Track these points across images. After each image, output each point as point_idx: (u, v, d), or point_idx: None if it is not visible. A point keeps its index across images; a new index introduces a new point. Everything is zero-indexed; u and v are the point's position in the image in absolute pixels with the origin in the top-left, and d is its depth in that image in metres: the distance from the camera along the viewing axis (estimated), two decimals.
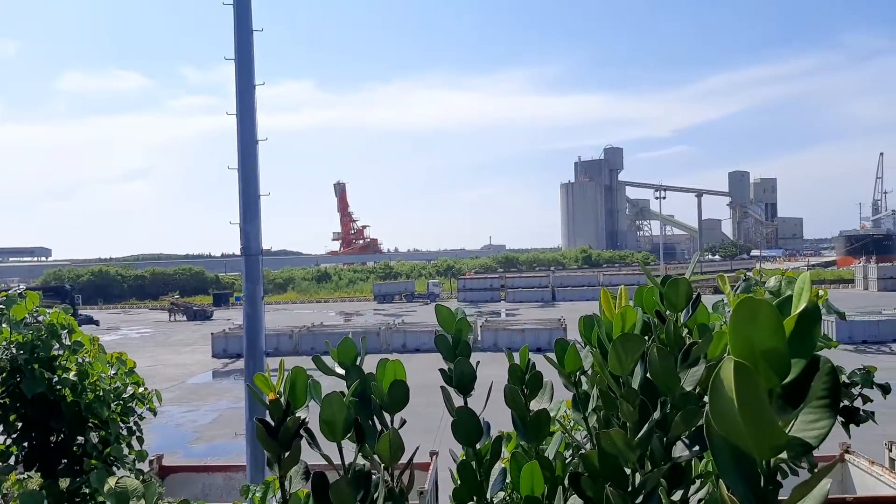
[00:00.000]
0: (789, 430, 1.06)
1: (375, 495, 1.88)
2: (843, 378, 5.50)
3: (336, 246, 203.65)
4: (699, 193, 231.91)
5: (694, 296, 1.98)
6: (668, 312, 1.99)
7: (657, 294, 2.01)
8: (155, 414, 7.31)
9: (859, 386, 5.68)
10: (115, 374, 6.98)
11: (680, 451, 1.91)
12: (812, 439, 1.05)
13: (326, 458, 1.87)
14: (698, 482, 2.03)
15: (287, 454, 1.86)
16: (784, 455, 1.04)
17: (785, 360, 1.01)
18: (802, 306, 1.05)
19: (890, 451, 10.74)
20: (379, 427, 2.15)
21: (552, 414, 2.88)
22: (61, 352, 6.63)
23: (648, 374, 1.88)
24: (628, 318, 1.86)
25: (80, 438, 6.33)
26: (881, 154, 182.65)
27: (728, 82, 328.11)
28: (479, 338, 44.81)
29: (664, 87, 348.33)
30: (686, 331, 2.01)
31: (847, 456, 10.91)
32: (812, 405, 1.06)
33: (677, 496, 1.88)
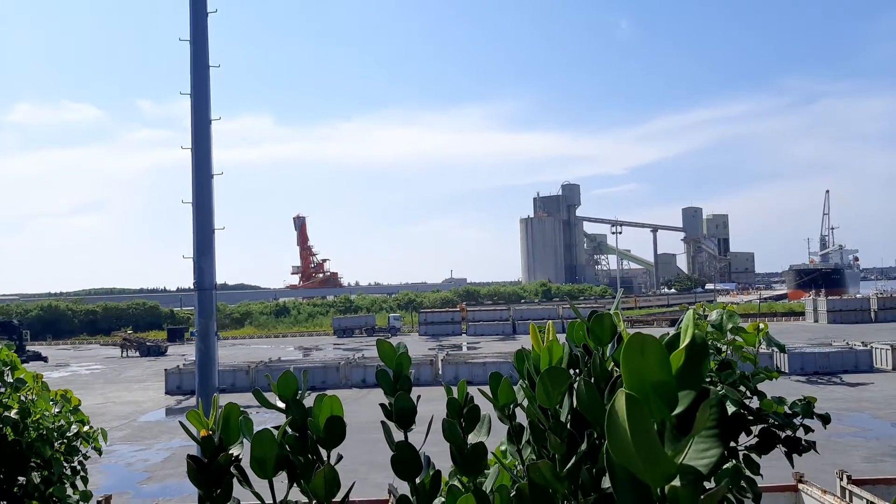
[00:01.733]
0: (682, 459, 1.13)
1: None
2: (785, 409, 5.65)
3: (296, 280, 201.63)
4: (654, 229, 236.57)
5: (618, 331, 2.06)
6: (595, 347, 2.07)
7: (584, 328, 2.09)
8: (100, 453, 7.13)
9: (800, 416, 5.84)
10: (60, 412, 6.81)
11: (609, 481, 1.97)
12: (703, 467, 1.12)
13: (258, 495, 1.89)
14: None
15: (218, 492, 1.87)
16: (677, 482, 1.11)
17: (673, 392, 1.08)
18: (688, 340, 1.13)
19: (841, 479, 10.99)
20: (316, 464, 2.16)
21: (500, 448, 2.93)
22: (3, 389, 6.45)
23: (576, 406, 1.94)
24: (555, 352, 1.93)
25: (22, 479, 6.13)
26: (827, 191, 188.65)
27: (676, 123, 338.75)
28: (441, 371, 44.62)
29: (616, 126, 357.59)
30: (613, 364, 2.09)
31: (800, 485, 11.12)
32: (702, 435, 1.13)
33: None
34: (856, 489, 10.48)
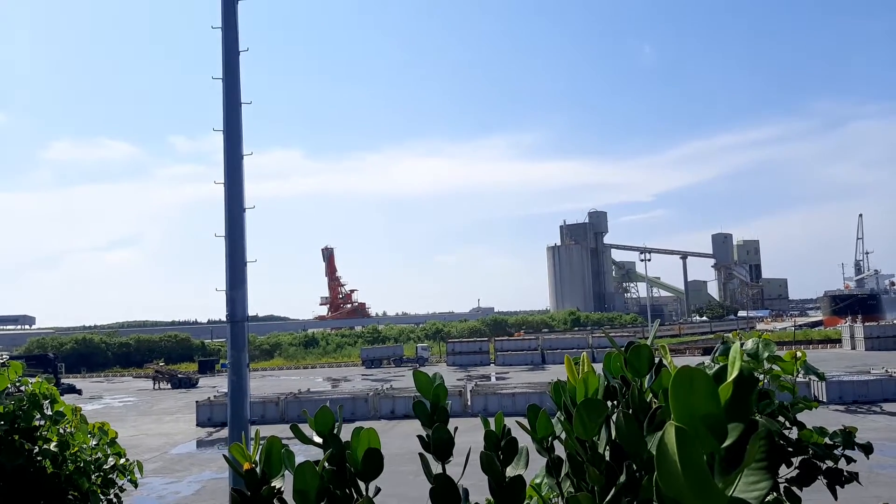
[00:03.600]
0: (732, 492, 1.13)
1: None
2: (826, 439, 5.52)
3: (324, 310, 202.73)
4: (684, 255, 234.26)
5: (656, 361, 2.06)
6: (633, 378, 2.06)
7: (622, 359, 2.09)
8: (136, 486, 7.19)
9: (841, 447, 5.70)
10: (97, 444, 6.89)
11: None
12: (753, 500, 1.11)
13: None
14: None
15: None
16: None
17: (722, 424, 1.08)
18: (736, 373, 1.13)
19: None
20: (355, 496, 2.17)
21: (537, 481, 2.91)
22: (42, 422, 6.56)
23: (615, 438, 1.93)
24: (591, 384, 1.93)
25: None
26: (860, 215, 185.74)
27: (702, 148, 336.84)
28: (469, 402, 44.31)
29: (642, 153, 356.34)
30: (651, 395, 2.07)
31: None
32: (752, 467, 1.12)
33: None
34: None
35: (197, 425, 44.90)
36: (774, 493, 4.08)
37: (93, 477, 6.63)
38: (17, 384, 6.74)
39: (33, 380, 6.90)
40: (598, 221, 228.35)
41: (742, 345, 5.10)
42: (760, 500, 1.10)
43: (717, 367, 1.21)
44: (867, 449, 6.01)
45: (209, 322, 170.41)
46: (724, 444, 1.10)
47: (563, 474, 2.26)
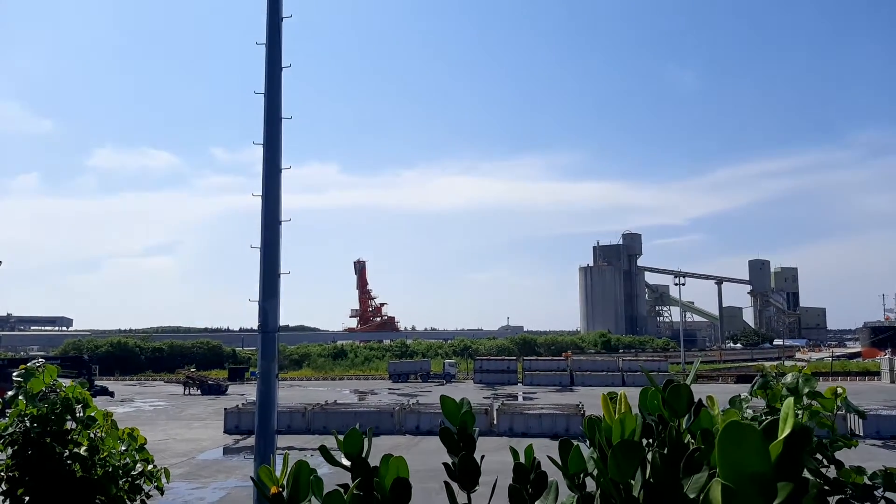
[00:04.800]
0: None
1: None
2: (865, 479, 5.33)
3: (353, 323, 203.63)
4: (719, 281, 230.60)
5: (696, 402, 1.99)
6: (670, 417, 2.00)
7: (659, 398, 2.03)
8: (162, 493, 7.24)
9: (882, 489, 5.50)
10: (126, 450, 6.97)
11: None
12: None
13: None
14: None
15: None
16: None
17: (771, 484, 1.03)
18: (788, 431, 1.08)
19: None
20: None
21: None
22: (74, 426, 6.65)
23: (650, 478, 1.87)
24: (627, 425, 1.87)
25: None
26: None
27: (740, 174, 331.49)
28: (496, 422, 43.98)
29: (678, 176, 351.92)
30: (689, 436, 2.01)
31: None
32: None
33: None
34: None
35: (224, 432, 45.25)
36: None
37: (120, 482, 6.70)
38: (52, 387, 6.86)
39: (67, 383, 7.01)
40: (631, 243, 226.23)
41: (781, 378, 4.96)
42: None
43: (767, 421, 1.16)
44: None
45: (241, 330, 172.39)
46: None
47: None
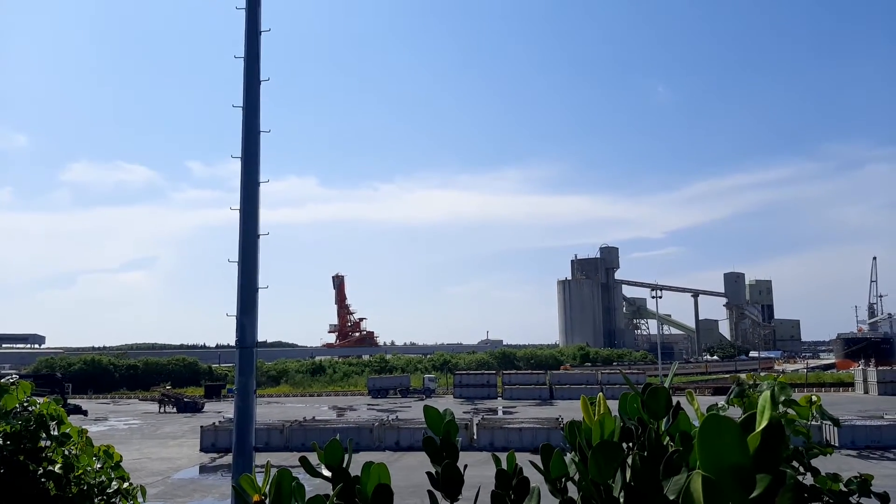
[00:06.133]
0: None
1: None
2: (840, 486, 5.42)
3: (332, 338, 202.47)
4: (695, 294, 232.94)
5: (674, 404, 2.02)
6: (650, 420, 2.02)
7: (639, 401, 2.05)
8: None
9: (857, 495, 5.58)
10: (101, 467, 6.85)
11: None
12: None
13: None
14: None
15: None
16: None
17: (750, 475, 1.05)
18: (765, 423, 1.11)
19: None
20: None
21: None
22: (48, 443, 6.52)
23: (631, 481, 1.89)
24: (606, 426, 1.89)
25: None
26: (874, 258, 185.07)
27: (716, 188, 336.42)
28: (476, 437, 43.87)
29: (655, 190, 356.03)
30: (668, 438, 2.03)
31: None
32: None
33: None
34: None
35: (201, 450, 44.65)
36: None
37: (96, 500, 6.58)
38: (25, 404, 6.73)
39: (41, 400, 6.89)
40: (609, 257, 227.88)
41: (757, 387, 5.03)
42: None
43: (745, 415, 1.19)
44: (883, 498, 5.88)
45: (217, 347, 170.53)
46: (752, 496, 1.07)
47: None
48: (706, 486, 1.00)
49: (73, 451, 6.69)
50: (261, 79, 12.38)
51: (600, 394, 1.98)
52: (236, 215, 12.19)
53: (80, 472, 6.55)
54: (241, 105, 12.26)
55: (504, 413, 65.67)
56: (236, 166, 12.38)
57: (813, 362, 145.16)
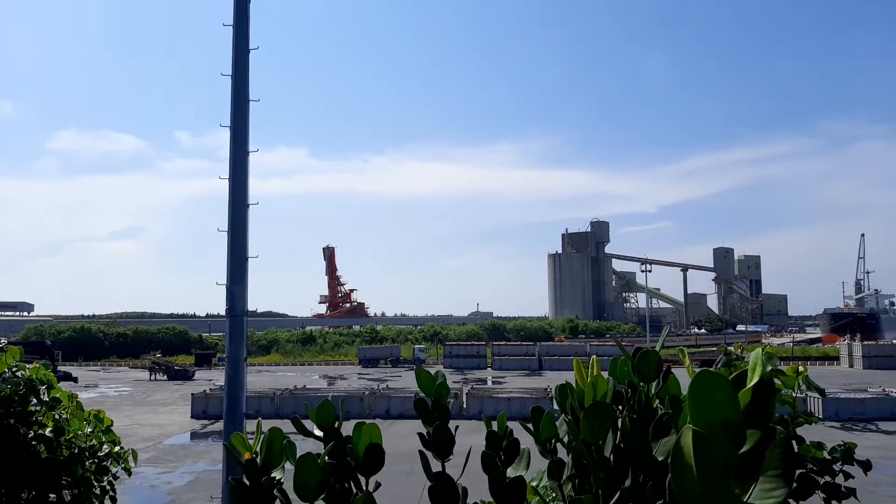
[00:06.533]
0: (748, 498, 1.10)
1: None
2: (825, 454, 5.50)
3: (323, 309, 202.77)
4: (684, 268, 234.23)
5: (664, 368, 2.03)
6: (640, 383, 2.04)
7: (629, 365, 2.07)
8: (130, 474, 7.17)
9: (840, 462, 5.67)
10: (92, 431, 6.88)
11: None
12: None
13: None
14: None
15: None
16: None
17: (740, 430, 1.06)
18: (756, 379, 1.11)
19: None
20: (354, 490, 2.15)
21: (534, 483, 2.88)
22: (39, 407, 6.54)
23: (620, 443, 1.91)
24: (599, 388, 1.91)
25: (53, 496, 6.18)
26: (862, 235, 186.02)
27: (708, 163, 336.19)
28: (465, 405, 44.25)
29: (647, 165, 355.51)
30: (658, 401, 2.05)
31: None
32: (768, 474, 1.10)
33: None
34: None
35: (192, 417, 44.86)
36: None
37: (87, 463, 6.62)
38: (14, 369, 6.73)
39: (31, 365, 6.89)
40: (600, 231, 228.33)
41: (744, 358, 5.08)
42: None
43: (736, 372, 1.19)
44: (866, 465, 5.98)
45: (207, 316, 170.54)
46: (742, 451, 1.08)
47: (565, 477, 2.23)
48: (696, 440, 1.01)
49: (64, 416, 6.72)
50: (250, 47, 12.21)
51: (594, 356, 1.99)
52: (225, 185, 12.10)
53: (71, 435, 6.58)
54: (230, 74, 12.09)
55: (493, 383, 66.20)
56: (225, 136, 12.26)
57: (799, 336, 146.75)
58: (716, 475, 1.03)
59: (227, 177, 12.10)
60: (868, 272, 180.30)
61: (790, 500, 4.18)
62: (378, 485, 2.21)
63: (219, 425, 38.21)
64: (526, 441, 2.55)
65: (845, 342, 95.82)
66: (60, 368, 69.36)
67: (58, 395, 6.73)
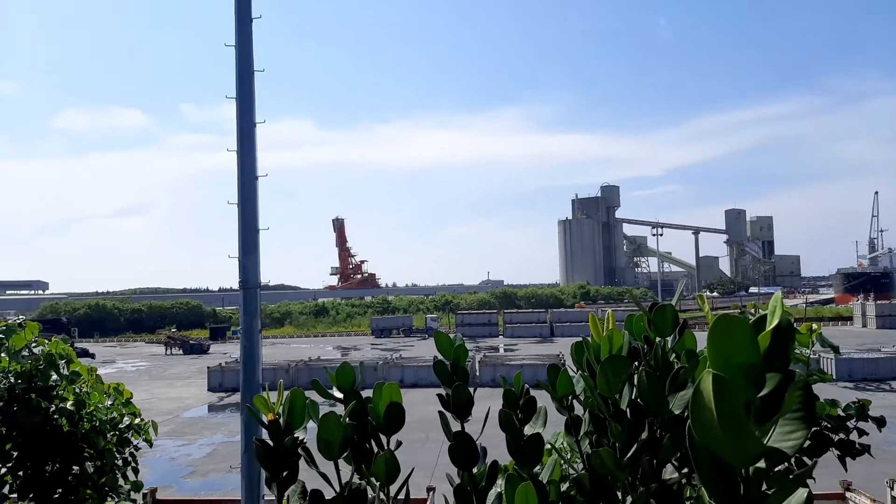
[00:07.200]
0: (768, 441, 1.12)
1: None
2: (839, 412, 5.53)
3: (334, 280, 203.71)
4: (696, 231, 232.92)
5: (681, 322, 2.04)
6: (656, 338, 2.05)
7: (645, 320, 2.07)
8: (151, 445, 7.30)
9: (854, 419, 5.70)
10: (112, 404, 6.99)
11: (670, 473, 1.95)
12: (788, 449, 1.10)
13: (324, 476, 1.91)
14: None
15: (285, 473, 1.90)
16: (761, 464, 1.10)
17: (760, 373, 1.07)
18: (775, 322, 1.12)
19: (892, 489, 10.68)
20: (375, 450, 2.19)
21: (552, 443, 2.91)
22: (59, 382, 6.64)
23: (637, 398, 1.93)
24: (615, 341, 1.92)
25: (76, 468, 6.30)
26: (876, 193, 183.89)
27: (717, 124, 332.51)
28: (478, 373, 44.60)
29: (656, 128, 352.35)
30: (674, 355, 2.06)
31: (848, 493, 10.85)
32: (787, 417, 1.11)
33: None
34: None
35: (208, 390, 45.48)
36: (786, 464, 4.09)
37: (108, 435, 6.73)
38: (34, 345, 6.83)
39: (49, 341, 6.98)
40: (610, 196, 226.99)
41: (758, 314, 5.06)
42: (796, 449, 1.09)
43: (756, 317, 1.20)
44: (880, 422, 6.00)
45: (220, 290, 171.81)
46: (761, 394, 1.09)
47: (582, 433, 2.26)
48: (716, 383, 1.01)
49: (84, 389, 6.82)
50: (253, 16, 12.08)
51: (609, 311, 2.00)
52: (233, 158, 12.07)
53: (92, 408, 6.69)
54: (234, 44, 11.99)
55: (505, 350, 66.57)
56: (231, 109, 12.19)
57: (812, 297, 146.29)
58: (735, 418, 1.04)
59: (235, 149, 12.08)
60: (882, 230, 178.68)
61: (805, 458, 4.22)
62: (399, 443, 2.25)
63: (235, 398, 38.71)
64: (543, 402, 2.58)
65: (859, 302, 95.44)
66: (77, 345, 70.18)
67: (77, 370, 6.83)
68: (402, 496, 2.14)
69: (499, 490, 2.40)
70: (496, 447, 2.80)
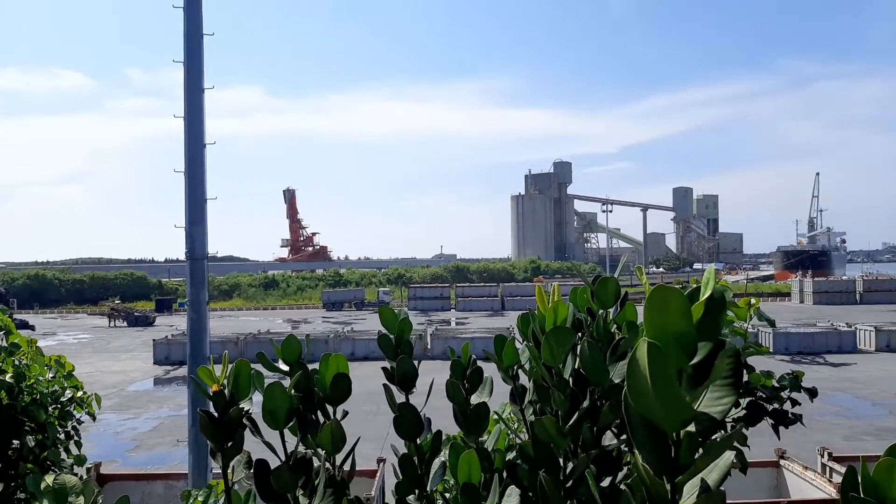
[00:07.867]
0: (698, 406, 1.17)
1: (316, 482, 1.93)
2: (773, 383, 5.76)
3: (284, 253, 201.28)
4: (644, 208, 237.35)
5: (622, 295, 2.10)
6: (599, 310, 2.10)
7: (589, 293, 2.12)
8: (94, 418, 7.16)
9: (788, 390, 5.94)
10: (54, 377, 6.82)
11: (609, 440, 2.02)
12: (717, 413, 1.15)
13: (269, 445, 1.92)
14: (626, 470, 2.14)
15: (230, 444, 1.90)
16: (692, 428, 1.14)
17: (693, 342, 1.11)
18: (708, 293, 1.16)
19: (822, 456, 11.22)
20: (322, 420, 2.20)
21: (499, 413, 2.97)
22: None
23: (579, 368, 1.98)
24: (560, 312, 1.96)
25: (16, 442, 6.16)
26: (817, 174, 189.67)
27: (669, 102, 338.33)
28: (430, 346, 44.87)
29: (610, 105, 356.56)
30: (615, 327, 2.12)
31: (782, 461, 11.35)
32: (717, 383, 1.16)
33: (606, 482, 1.99)
34: (836, 465, 10.69)
35: (154, 363, 44.68)
36: (722, 432, 4.26)
37: (50, 409, 6.58)
38: None
39: None
40: (562, 172, 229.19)
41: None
42: (724, 414, 1.14)
43: (690, 289, 1.24)
44: (812, 392, 6.28)
45: (166, 261, 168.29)
46: (693, 361, 1.14)
47: (526, 401, 2.31)
48: (651, 351, 1.05)
49: (24, 361, 6.64)
50: None
51: (555, 283, 2.04)
52: (180, 124, 11.78)
53: (32, 381, 6.52)
54: (182, 6, 11.65)
55: (457, 324, 67.05)
56: (178, 74, 11.87)
57: (753, 274, 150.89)
58: (668, 384, 1.08)
59: (182, 115, 11.78)
60: (821, 210, 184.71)
61: (742, 427, 4.37)
62: (346, 413, 2.26)
63: (182, 371, 38.17)
64: (490, 373, 2.62)
65: (797, 279, 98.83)
66: (17, 316, 67.93)
67: (17, 341, 6.64)
68: (347, 466, 2.16)
69: (443, 459, 2.45)
70: (444, 418, 2.84)
